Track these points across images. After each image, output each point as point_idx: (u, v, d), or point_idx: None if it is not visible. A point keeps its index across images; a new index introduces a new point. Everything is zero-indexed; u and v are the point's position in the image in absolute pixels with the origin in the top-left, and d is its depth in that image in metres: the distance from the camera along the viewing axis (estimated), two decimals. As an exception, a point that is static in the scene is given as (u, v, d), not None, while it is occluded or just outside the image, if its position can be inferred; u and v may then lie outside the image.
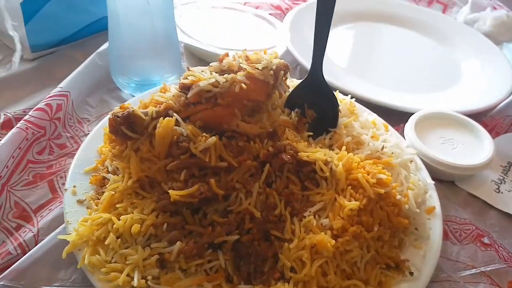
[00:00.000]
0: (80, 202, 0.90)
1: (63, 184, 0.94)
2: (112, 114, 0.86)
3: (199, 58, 1.48)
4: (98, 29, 1.47)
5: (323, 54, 0.96)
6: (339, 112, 1.03)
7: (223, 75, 0.89)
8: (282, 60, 0.95)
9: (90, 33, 1.47)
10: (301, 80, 1.03)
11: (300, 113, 1.01)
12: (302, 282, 0.78)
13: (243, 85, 0.86)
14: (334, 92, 1.03)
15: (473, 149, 1.14)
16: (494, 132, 1.28)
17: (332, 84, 1.27)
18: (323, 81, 0.99)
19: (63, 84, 1.19)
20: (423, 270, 0.85)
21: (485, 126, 1.24)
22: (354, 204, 0.82)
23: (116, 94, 1.30)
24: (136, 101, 1.06)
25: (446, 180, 1.13)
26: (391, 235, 0.85)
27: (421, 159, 1.07)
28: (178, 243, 0.79)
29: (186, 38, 1.46)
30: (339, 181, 0.86)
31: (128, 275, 0.77)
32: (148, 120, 0.86)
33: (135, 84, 1.26)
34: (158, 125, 0.84)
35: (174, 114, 0.86)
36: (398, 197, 0.87)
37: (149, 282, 0.76)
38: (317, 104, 1.01)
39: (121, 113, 0.86)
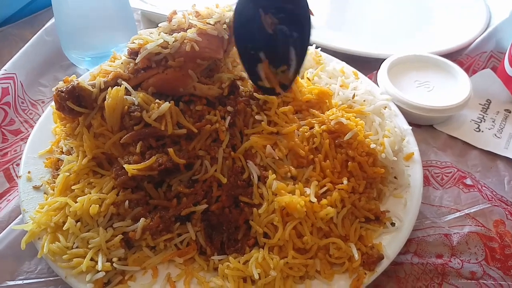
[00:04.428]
0: (36, 188, 0.84)
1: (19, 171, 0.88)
2: (56, 90, 0.79)
3: (158, 24, 1.38)
4: (46, 3, 1.37)
5: None
6: (311, 14, 0.77)
7: (172, 35, 0.81)
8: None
9: (37, 8, 1.37)
10: None
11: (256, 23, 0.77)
12: (278, 246, 0.74)
13: (194, 43, 0.79)
14: None
15: (450, 90, 1.09)
16: (471, 70, 1.23)
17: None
18: None
19: (7, 66, 1.10)
20: (405, 220, 0.81)
21: (461, 65, 1.18)
22: None
23: (71, 71, 1.22)
24: (88, 75, 0.99)
25: (424, 124, 1.08)
26: (367, 186, 0.81)
27: (396, 105, 1.02)
28: (142, 219, 0.74)
29: (141, 4, 1.37)
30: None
31: (92, 259, 0.72)
32: (97, 92, 0.79)
33: (90, 58, 1.18)
34: (107, 96, 0.77)
35: (123, 82, 0.78)
36: (373, 145, 0.81)
37: (114, 264, 0.72)
38: (279, 10, 0.76)
39: (65, 87, 0.78)
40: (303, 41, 0.78)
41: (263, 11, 0.77)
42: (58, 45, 1.19)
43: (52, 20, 1.25)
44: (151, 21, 1.41)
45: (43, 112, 1.10)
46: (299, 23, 0.77)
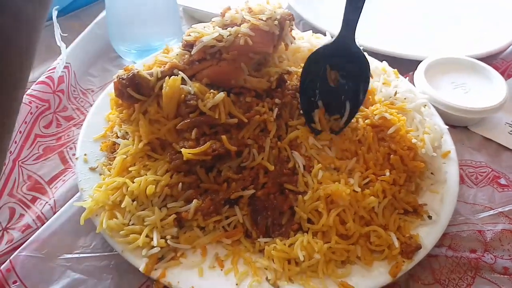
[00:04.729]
0: (92, 169, 0.90)
1: (74, 154, 0.94)
2: (117, 77, 0.84)
3: (199, 20, 1.44)
4: (93, -2, 1.45)
5: (359, 16, 0.81)
6: (371, 78, 0.90)
7: (226, 29, 0.86)
8: (286, 10, 0.92)
9: (86, 2, 1.45)
10: (323, 44, 0.90)
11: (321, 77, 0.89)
12: (321, 231, 0.78)
13: (247, 38, 0.84)
14: (366, 58, 0.87)
15: (486, 92, 1.12)
16: (506, 74, 1.25)
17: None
18: (354, 45, 0.84)
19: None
20: (442, 214, 0.84)
21: (496, 69, 1.20)
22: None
23: (118, 63, 1.29)
24: (141, 65, 1.04)
25: (460, 125, 1.11)
26: (407, 180, 0.84)
27: (433, 105, 1.05)
28: (195, 201, 0.79)
29: (183, 1, 1.42)
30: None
31: (147, 236, 0.77)
32: (154, 81, 0.84)
33: (136, 50, 1.24)
34: (164, 85, 0.82)
35: (180, 72, 0.84)
36: (414, 140, 0.85)
37: (168, 241, 0.77)
38: (343, 68, 0.88)
39: (126, 75, 0.84)
40: (357, 98, 0.88)
41: (329, 67, 0.89)
42: (107, 38, 1.26)
43: (102, 14, 1.32)
44: (193, 17, 1.47)
45: (93, 100, 1.16)
46: (356, 84, 0.87)
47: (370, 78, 0.88)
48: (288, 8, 1.39)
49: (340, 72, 0.89)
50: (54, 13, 1.10)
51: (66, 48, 1.19)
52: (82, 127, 0.98)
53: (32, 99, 1.05)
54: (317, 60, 0.88)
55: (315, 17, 1.36)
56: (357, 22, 0.81)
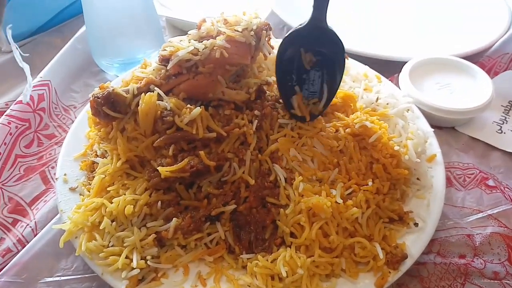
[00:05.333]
0: (72, 189, 0.88)
1: (55, 174, 0.92)
2: (92, 96, 0.83)
3: (182, 30, 1.43)
4: (75, 12, 1.42)
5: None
6: (347, 59, 0.90)
7: (202, 42, 0.85)
8: (263, 20, 0.90)
9: (67, 17, 1.43)
10: (296, 27, 0.86)
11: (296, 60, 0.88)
12: (304, 245, 0.76)
13: (223, 50, 0.82)
14: (340, 38, 0.85)
15: (472, 92, 1.10)
16: (492, 72, 1.23)
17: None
18: (327, 26, 0.83)
19: (42, 73, 1.15)
20: (428, 220, 0.83)
21: (482, 67, 1.19)
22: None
23: (101, 77, 1.27)
24: (119, 81, 1.03)
25: (446, 126, 1.09)
26: (391, 188, 0.83)
27: (418, 107, 1.03)
28: (174, 219, 0.77)
29: (166, 11, 1.41)
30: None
31: (127, 257, 0.76)
32: (130, 98, 0.83)
33: (118, 64, 1.23)
34: (140, 102, 0.81)
35: (156, 88, 0.82)
36: (396, 147, 0.84)
37: (148, 262, 0.75)
38: (318, 50, 0.87)
39: (101, 93, 0.82)
40: (334, 81, 0.87)
41: (304, 50, 0.86)
42: (89, 52, 1.24)
43: (83, 29, 1.30)
44: (176, 27, 1.45)
45: (75, 117, 1.15)
46: (332, 66, 0.86)
47: (346, 58, 0.88)
48: (271, 14, 1.37)
49: (315, 55, 0.87)
50: (8, 32, 1.07)
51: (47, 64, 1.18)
52: (62, 145, 0.97)
53: (11, 119, 1.04)
54: (291, 43, 0.86)
55: (298, 22, 1.33)
56: (327, 3, 0.81)
